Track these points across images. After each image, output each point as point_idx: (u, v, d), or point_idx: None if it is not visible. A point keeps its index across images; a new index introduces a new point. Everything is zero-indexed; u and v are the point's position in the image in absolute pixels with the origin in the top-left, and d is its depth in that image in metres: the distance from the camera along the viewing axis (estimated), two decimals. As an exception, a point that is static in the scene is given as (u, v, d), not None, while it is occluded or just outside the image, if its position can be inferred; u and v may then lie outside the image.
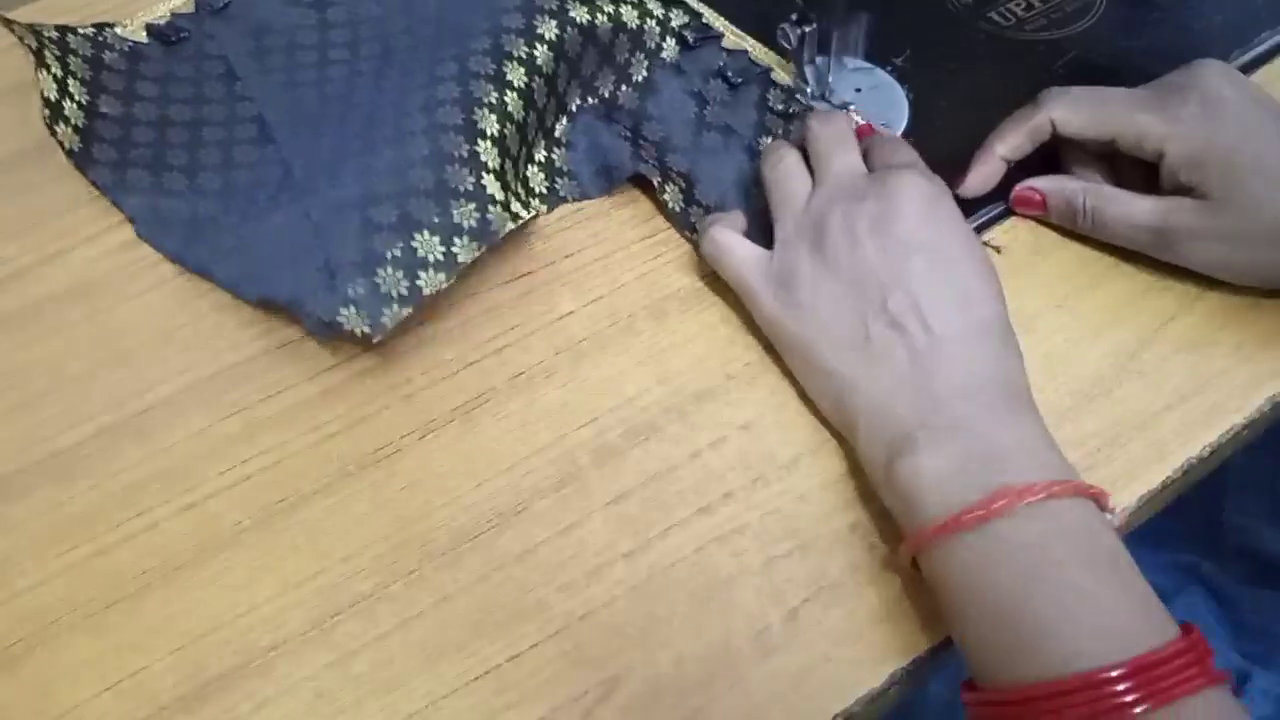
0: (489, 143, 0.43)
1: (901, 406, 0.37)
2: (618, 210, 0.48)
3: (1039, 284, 0.44)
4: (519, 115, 0.45)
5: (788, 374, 0.42)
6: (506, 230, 0.42)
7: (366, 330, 0.39)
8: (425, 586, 0.37)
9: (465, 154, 0.42)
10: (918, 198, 0.40)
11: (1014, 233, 0.46)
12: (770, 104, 0.49)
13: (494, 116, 0.44)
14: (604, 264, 0.46)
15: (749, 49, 0.51)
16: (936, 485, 0.34)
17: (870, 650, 0.36)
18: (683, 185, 0.47)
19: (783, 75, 0.50)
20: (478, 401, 0.42)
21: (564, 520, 0.39)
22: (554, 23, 0.46)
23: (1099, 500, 0.34)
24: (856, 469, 0.39)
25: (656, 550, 0.38)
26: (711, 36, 0.51)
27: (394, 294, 0.40)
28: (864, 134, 0.46)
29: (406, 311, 0.39)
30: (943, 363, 0.37)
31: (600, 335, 0.44)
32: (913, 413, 0.36)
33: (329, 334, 0.41)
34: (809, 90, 0.51)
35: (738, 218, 0.45)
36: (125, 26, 0.52)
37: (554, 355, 0.43)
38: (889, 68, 0.51)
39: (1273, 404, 0.41)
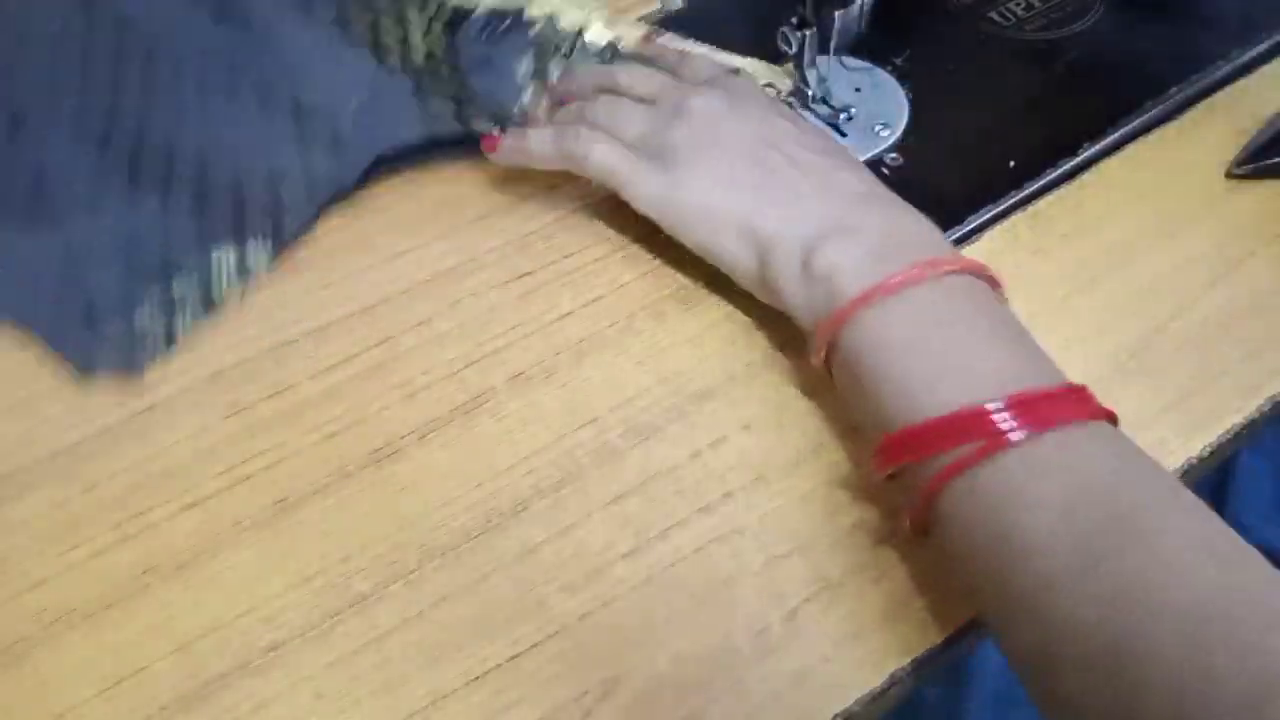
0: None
1: (811, 215, 0.39)
2: (618, 211, 0.47)
3: (1039, 284, 0.44)
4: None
5: (788, 374, 0.42)
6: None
7: (123, 370, 0.40)
8: (425, 586, 0.37)
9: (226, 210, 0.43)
10: (763, 97, 0.45)
11: (1014, 233, 0.46)
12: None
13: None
14: (604, 264, 0.46)
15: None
16: (855, 266, 0.37)
17: (870, 650, 0.36)
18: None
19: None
20: (478, 401, 0.42)
21: (564, 520, 0.39)
22: None
23: (995, 286, 0.38)
24: (857, 469, 0.39)
25: (656, 550, 0.38)
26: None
27: (151, 335, 0.41)
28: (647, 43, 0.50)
29: (166, 351, 0.41)
30: (839, 178, 0.40)
31: (600, 335, 0.44)
32: (822, 218, 0.39)
33: (87, 375, 0.42)
34: (810, 92, 0.51)
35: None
36: None
37: (554, 355, 0.43)
38: (889, 68, 0.51)
39: (1273, 404, 0.41)
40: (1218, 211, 0.46)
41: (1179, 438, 0.40)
